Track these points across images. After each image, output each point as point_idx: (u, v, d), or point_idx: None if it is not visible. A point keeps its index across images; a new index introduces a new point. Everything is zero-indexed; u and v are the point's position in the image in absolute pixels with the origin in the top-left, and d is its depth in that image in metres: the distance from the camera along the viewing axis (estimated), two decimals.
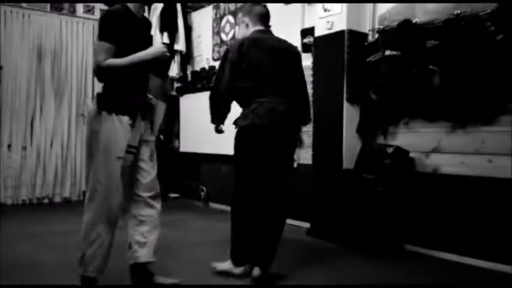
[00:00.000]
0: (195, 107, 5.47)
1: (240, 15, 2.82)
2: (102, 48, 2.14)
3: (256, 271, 2.53)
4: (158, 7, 5.66)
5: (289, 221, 4.25)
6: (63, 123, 5.68)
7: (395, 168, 3.29)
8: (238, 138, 2.63)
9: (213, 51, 5.63)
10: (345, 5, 3.60)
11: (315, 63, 3.92)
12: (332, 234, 3.59)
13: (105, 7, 6.04)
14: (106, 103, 2.19)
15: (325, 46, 3.78)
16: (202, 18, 5.89)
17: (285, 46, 2.72)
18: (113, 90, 2.22)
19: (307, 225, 3.96)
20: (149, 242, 2.34)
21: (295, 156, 4.29)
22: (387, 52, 3.35)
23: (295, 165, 4.32)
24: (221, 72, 2.68)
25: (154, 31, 5.55)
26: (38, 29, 5.52)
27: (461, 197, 3.09)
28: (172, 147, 6.14)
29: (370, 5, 3.71)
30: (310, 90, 4.01)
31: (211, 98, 2.74)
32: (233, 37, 5.23)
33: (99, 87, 5.82)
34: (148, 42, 2.39)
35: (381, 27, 3.56)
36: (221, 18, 5.51)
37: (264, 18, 2.75)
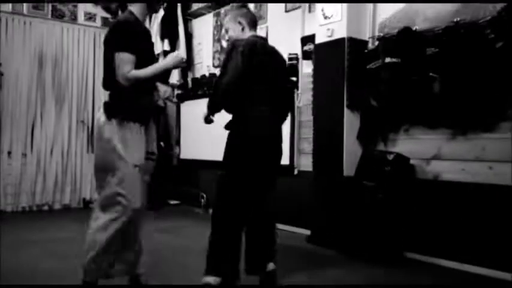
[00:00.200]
0: (196, 113, 5.47)
1: (233, 15, 2.74)
2: (126, 60, 2.12)
3: (271, 265, 2.61)
4: (159, 15, 5.70)
5: (289, 228, 4.27)
6: (64, 130, 5.69)
7: (395, 175, 3.29)
8: (242, 146, 2.51)
9: (214, 58, 5.65)
10: (345, 12, 3.62)
11: (316, 70, 3.94)
12: (332, 241, 3.58)
13: (106, 15, 6.09)
14: (117, 111, 2.16)
15: (326, 53, 3.79)
16: (203, 26, 5.92)
17: (279, 53, 2.76)
18: (123, 97, 2.18)
19: (307, 232, 3.95)
20: None
21: (295, 163, 4.32)
22: (387, 59, 3.36)
23: (295, 172, 4.33)
24: (230, 64, 2.50)
25: (155, 38, 5.58)
26: (39, 36, 5.55)
27: (462, 204, 3.08)
28: (172, 154, 6.14)
29: (370, 13, 3.73)
30: (310, 97, 4.05)
31: (216, 85, 2.56)
32: None
33: (99, 94, 5.92)
34: (153, 50, 2.43)
35: (381, 34, 3.58)
36: (221, 25, 5.53)
37: (256, 24, 2.77)
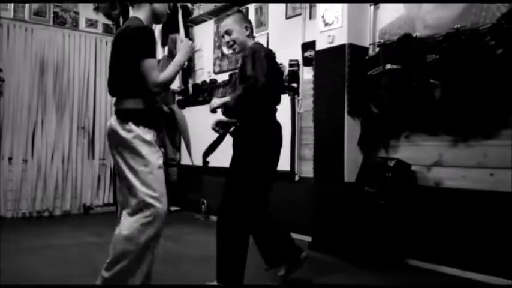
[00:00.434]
0: (196, 119, 5.48)
1: (238, 18, 2.72)
2: (154, 66, 2.10)
3: (304, 253, 2.80)
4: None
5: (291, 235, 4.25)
6: (64, 136, 5.69)
7: (396, 182, 3.28)
8: (265, 150, 2.54)
9: (214, 64, 5.66)
10: (345, 19, 3.63)
11: (316, 76, 3.94)
12: (334, 248, 3.57)
13: (108, 21, 6.11)
14: (134, 117, 2.11)
15: (326, 60, 3.80)
16: (204, 32, 5.93)
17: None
18: (136, 103, 2.13)
19: (308, 238, 3.94)
20: None
21: (296, 169, 4.31)
22: (388, 66, 3.37)
23: (296, 178, 4.32)
24: (256, 67, 2.43)
25: (156, 45, 5.59)
26: (40, 42, 5.57)
27: (463, 211, 3.07)
28: (172, 160, 6.12)
29: (370, 20, 3.74)
30: (311, 104, 4.05)
31: (249, 87, 2.45)
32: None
33: (100, 101, 5.93)
34: None
35: (382, 41, 3.59)
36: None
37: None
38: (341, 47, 3.65)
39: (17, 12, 5.43)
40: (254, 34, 2.82)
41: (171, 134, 2.35)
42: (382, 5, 3.71)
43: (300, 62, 4.33)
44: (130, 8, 2.30)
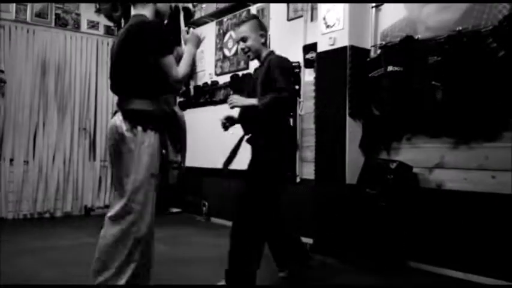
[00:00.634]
0: (198, 121, 5.49)
1: (254, 25, 2.73)
2: (173, 62, 2.12)
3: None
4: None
5: None
6: (66, 137, 5.69)
7: (398, 184, 3.28)
8: (284, 164, 2.71)
9: (216, 66, 5.67)
10: (347, 21, 3.63)
11: (318, 78, 3.94)
12: (335, 250, 3.56)
13: (109, 23, 6.12)
14: (141, 119, 2.09)
15: (328, 62, 3.80)
16: (205, 34, 5.92)
17: None
18: (141, 103, 2.12)
19: (310, 241, 3.93)
20: None
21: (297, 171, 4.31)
22: (389, 68, 3.37)
23: (298, 180, 4.32)
24: (289, 78, 2.65)
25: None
26: (42, 44, 5.58)
27: (465, 213, 3.07)
28: (173, 162, 6.12)
29: (372, 22, 3.74)
30: (312, 106, 4.06)
31: (280, 97, 2.51)
32: (236, 53, 5.27)
33: (102, 102, 5.93)
34: None
35: (383, 43, 3.59)
36: (224, 34, 5.55)
37: None
38: (342, 49, 3.65)
39: (18, 14, 5.45)
40: None
41: (173, 136, 2.33)
42: (383, 8, 3.72)
43: (302, 64, 4.34)
44: (132, 8, 2.29)
